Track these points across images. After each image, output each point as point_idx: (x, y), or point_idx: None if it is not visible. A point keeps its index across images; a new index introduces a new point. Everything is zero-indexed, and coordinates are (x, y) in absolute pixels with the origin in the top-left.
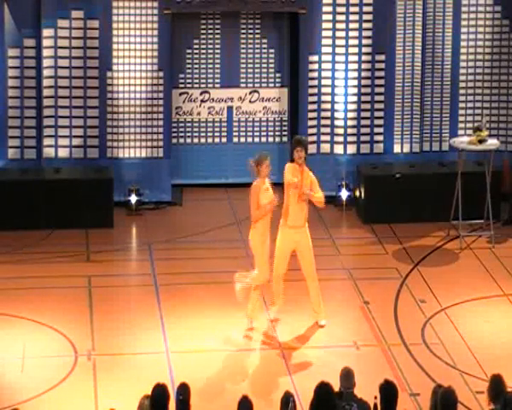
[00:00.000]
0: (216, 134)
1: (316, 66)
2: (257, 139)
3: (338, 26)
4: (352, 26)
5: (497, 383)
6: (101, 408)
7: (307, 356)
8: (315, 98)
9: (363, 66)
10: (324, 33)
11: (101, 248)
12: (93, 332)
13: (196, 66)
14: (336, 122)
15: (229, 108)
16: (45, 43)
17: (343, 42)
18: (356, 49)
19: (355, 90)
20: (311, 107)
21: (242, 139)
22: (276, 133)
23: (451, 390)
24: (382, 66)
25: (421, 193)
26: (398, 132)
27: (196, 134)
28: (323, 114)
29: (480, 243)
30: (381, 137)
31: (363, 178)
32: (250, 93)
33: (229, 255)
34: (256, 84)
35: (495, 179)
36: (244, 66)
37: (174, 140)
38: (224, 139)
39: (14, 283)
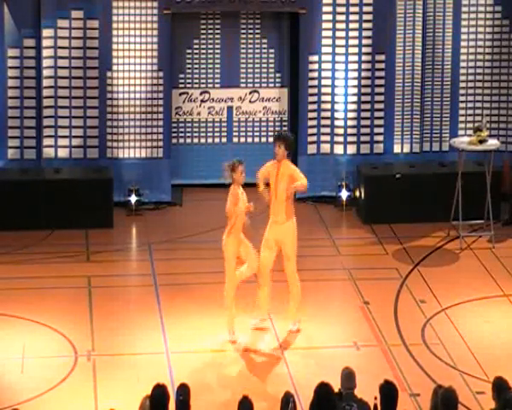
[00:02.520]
0: (216, 134)
1: (316, 66)
2: (257, 139)
3: (338, 26)
4: (351, 26)
5: (500, 385)
6: (101, 408)
7: (307, 356)
8: (315, 98)
9: (363, 66)
10: (324, 33)
11: (101, 249)
12: (93, 332)
13: (196, 66)
14: (336, 122)
15: (229, 108)
16: (45, 43)
17: (343, 42)
18: (356, 49)
19: (355, 90)
20: (311, 107)
21: (242, 139)
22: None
23: (452, 391)
24: (382, 66)
25: (421, 193)
26: (398, 132)
27: (196, 134)
28: (323, 114)
29: (481, 243)
30: (381, 138)
31: (363, 178)
32: (250, 93)
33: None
34: (256, 84)
35: (495, 179)
36: (244, 66)
37: (174, 140)
38: (223, 139)
39: (14, 283)
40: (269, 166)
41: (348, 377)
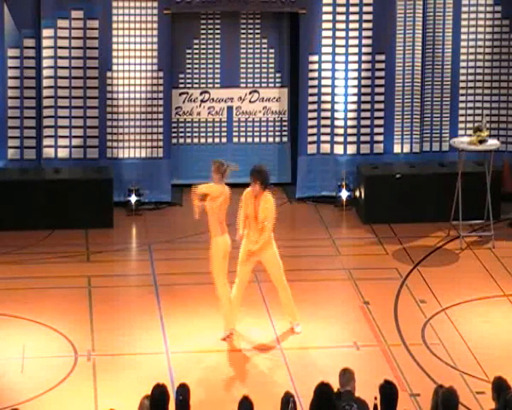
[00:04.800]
0: (216, 134)
1: (316, 66)
2: (257, 139)
3: (338, 26)
4: (351, 26)
5: (500, 384)
6: (101, 408)
7: (307, 356)
8: (315, 98)
9: (363, 66)
10: (324, 33)
11: (101, 249)
12: (93, 332)
13: (196, 66)
14: (336, 122)
15: (229, 108)
16: (45, 43)
17: (343, 42)
18: (356, 49)
19: (355, 90)
20: (311, 107)
21: (242, 139)
22: (276, 133)
23: (453, 391)
24: (382, 66)
25: (421, 193)
26: (398, 132)
27: (196, 134)
28: (323, 114)
29: (481, 243)
30: (381, 138)
31: (363, 178)
32: (250, 93)
33: (229, 255)
34: (256, 84)
35: (495, 179)
36: (244, 66)
37: (174, 140)
38: (223, 139)
39: (14, 283)
40: (248, 194)
41: (347, 377)
